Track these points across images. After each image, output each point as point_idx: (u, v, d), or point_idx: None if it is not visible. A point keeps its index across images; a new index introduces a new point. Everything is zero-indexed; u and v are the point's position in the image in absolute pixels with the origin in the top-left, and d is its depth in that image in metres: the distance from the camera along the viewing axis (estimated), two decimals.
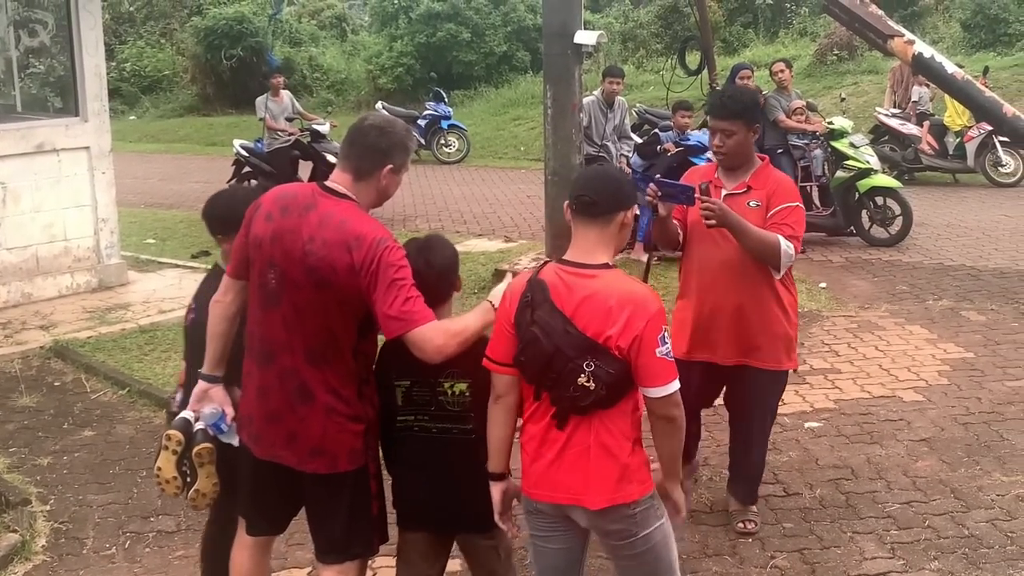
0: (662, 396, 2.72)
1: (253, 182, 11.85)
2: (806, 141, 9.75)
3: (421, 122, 17.25)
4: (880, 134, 13.03)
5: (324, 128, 12.22)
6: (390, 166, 2.98)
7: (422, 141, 17.16)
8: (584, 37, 7.89)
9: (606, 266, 2.79)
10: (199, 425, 3.21)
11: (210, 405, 3.20)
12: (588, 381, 2.67)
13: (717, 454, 4.99)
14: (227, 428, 3.19)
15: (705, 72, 11.32)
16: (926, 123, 13.09)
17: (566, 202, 2.88)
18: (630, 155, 9.52)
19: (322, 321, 2.93)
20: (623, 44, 22.52)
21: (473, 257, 9.48)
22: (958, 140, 12.91)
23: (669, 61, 14.52)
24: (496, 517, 2.99)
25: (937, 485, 4.72)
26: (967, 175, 13.01)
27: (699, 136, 9.06)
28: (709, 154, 7.57)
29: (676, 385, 2.74)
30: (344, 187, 2.97)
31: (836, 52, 18.29)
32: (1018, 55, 17.24)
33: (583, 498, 2.76)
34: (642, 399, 2.79)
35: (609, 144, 9.61)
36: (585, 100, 9.09)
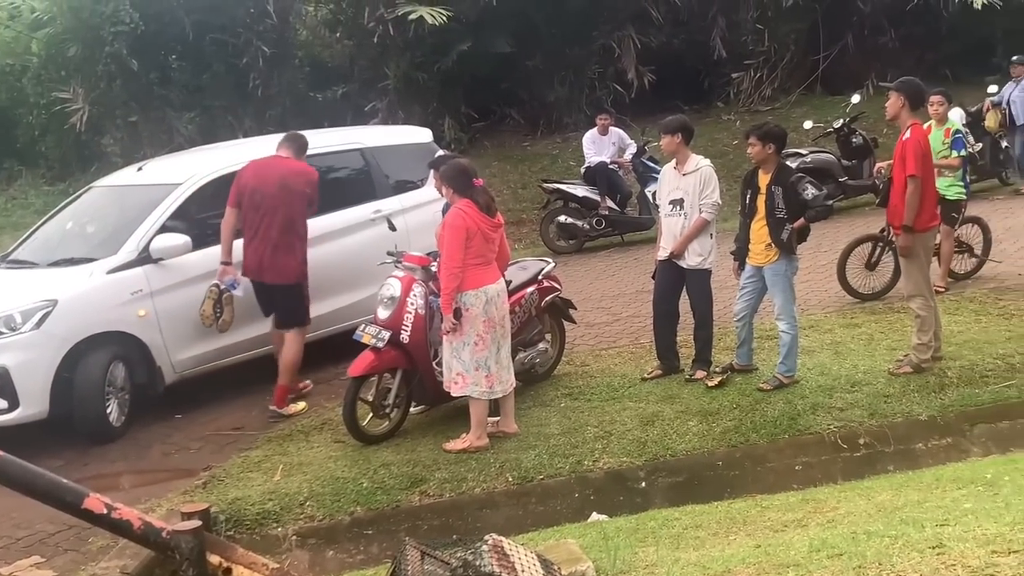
0: None
1: None
2: None
3: None
4: None
5: None
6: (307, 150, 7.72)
7: None
8: None
9: None
10: (223, 286, 7.46)
11: (228, 276, 7.37)
12: None
13: None
14: (237, 286, 7.50)
15: None
16: None
17: None
18: None
19: (287, 210, 7.30)
20: None
21: None
22: None
23: None
24: None
25: None
26: None
27: None
28: None
29: None
30: (290, 156, 7.58)
31: None
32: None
33: None
34: None
35: None
36: None
